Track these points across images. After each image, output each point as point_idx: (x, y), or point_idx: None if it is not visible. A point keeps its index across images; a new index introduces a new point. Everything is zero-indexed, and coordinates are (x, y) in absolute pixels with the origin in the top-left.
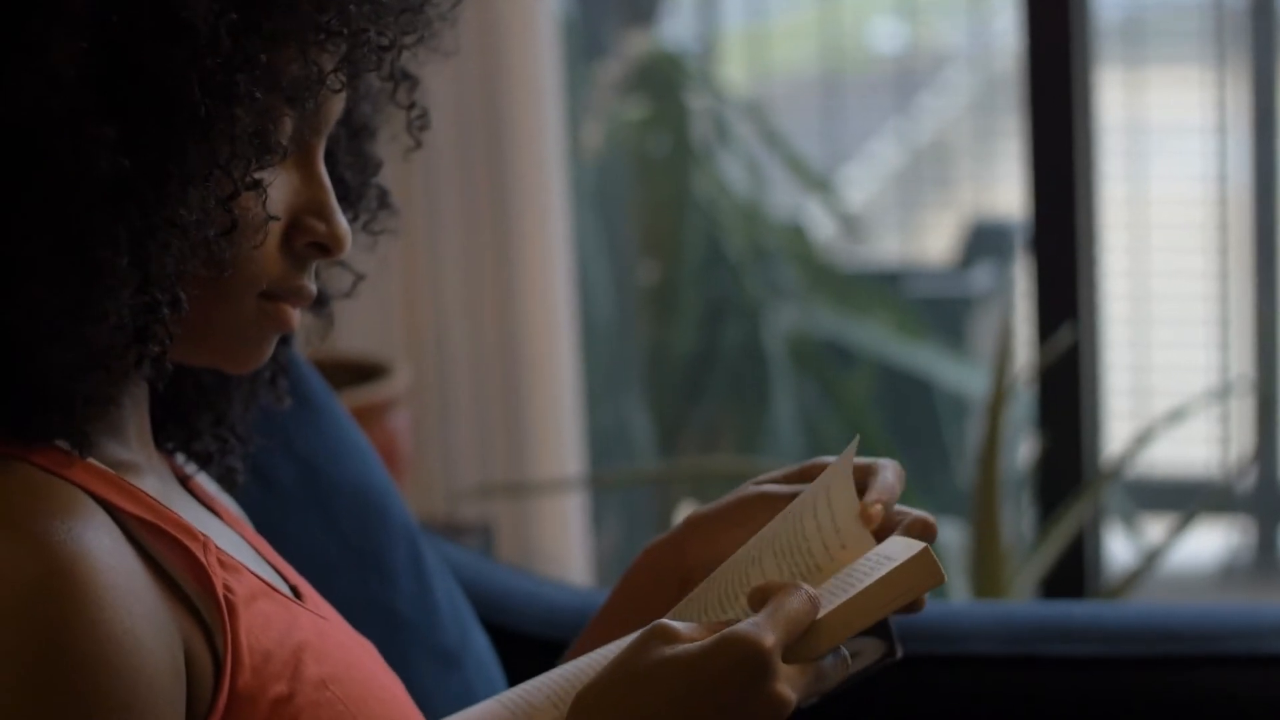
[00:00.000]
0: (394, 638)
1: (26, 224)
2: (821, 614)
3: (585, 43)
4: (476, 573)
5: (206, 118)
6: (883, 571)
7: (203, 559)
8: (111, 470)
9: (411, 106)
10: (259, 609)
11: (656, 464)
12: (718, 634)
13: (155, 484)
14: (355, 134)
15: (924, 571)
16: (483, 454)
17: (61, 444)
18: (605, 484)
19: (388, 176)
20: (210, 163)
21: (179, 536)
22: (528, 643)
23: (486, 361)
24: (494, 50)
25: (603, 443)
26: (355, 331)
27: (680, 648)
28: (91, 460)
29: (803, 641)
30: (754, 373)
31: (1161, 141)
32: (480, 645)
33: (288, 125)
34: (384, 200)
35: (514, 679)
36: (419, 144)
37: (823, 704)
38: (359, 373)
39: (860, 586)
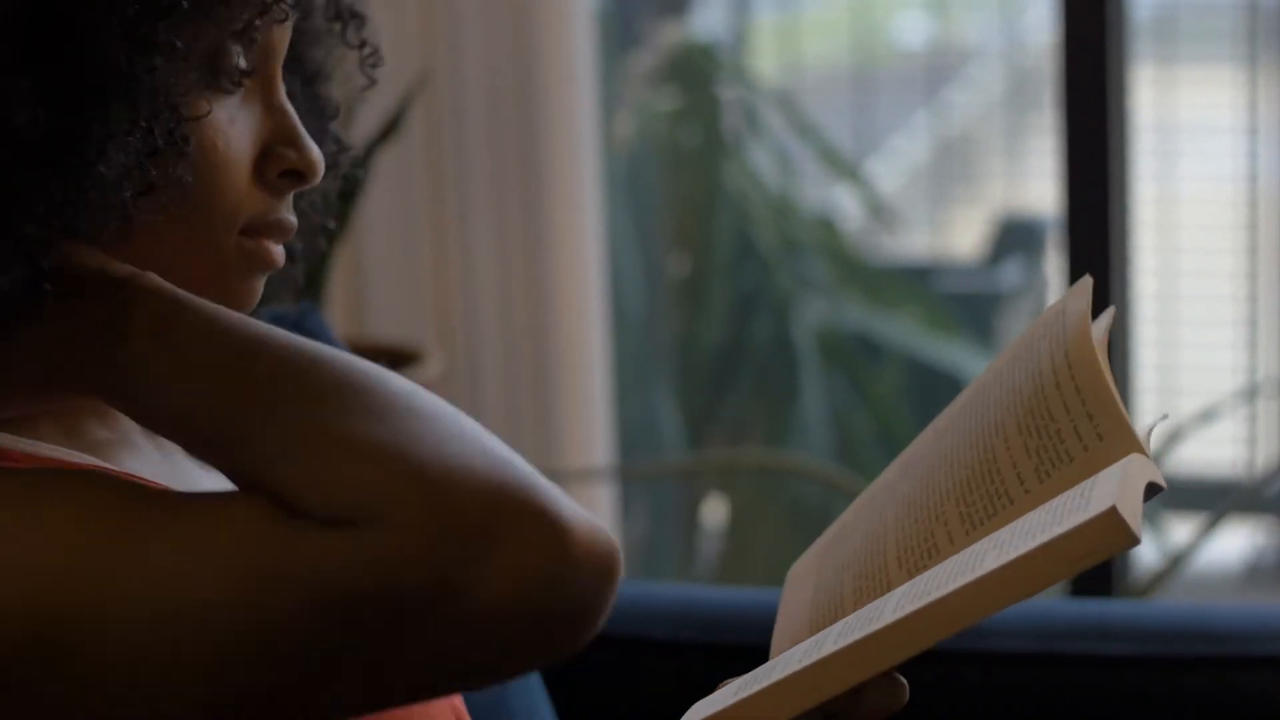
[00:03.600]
0: None
1: None
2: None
3: (617, 34)
4: None
5: (129, 67)
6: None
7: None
8: (84, 454)
9: (362, 45)
10: None
11: (685, 456)
12: None
13: (156, 463)
14: (309, 80)
15: (1107, 532)
16: (512, 443)
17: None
18: (633, 475)
19: (417, 163)
20: (134, 115)
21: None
22: None
23: (517, 351)
24: (528, 41)
25: (631, 434)
26: (386, 319)
27: None
28: (48, 447)
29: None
30: (783, 366)
31: (1191, 141)
32: None
33: (234, 56)
34: (341, 145)
35: (545, 671)
36: (373, 81)
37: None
38: (390, 360)
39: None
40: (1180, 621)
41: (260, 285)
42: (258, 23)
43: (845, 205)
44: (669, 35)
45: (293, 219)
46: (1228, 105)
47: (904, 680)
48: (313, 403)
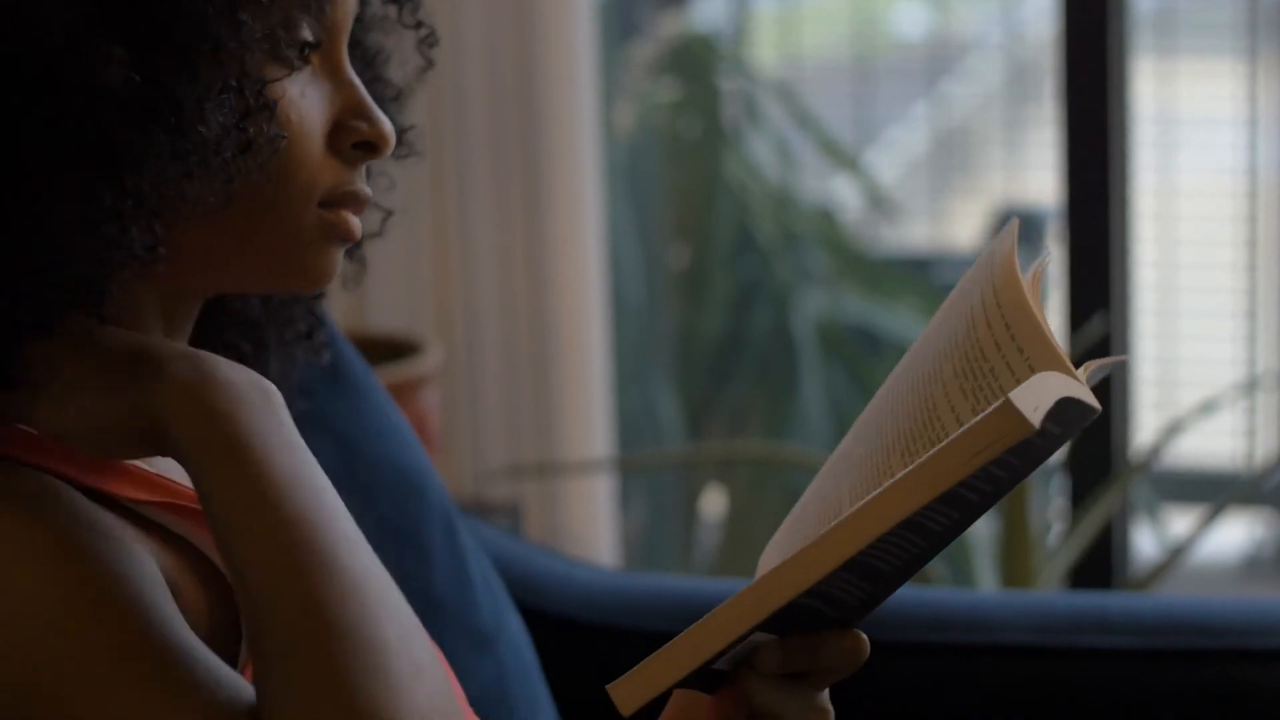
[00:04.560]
0: (429, 619)
1: (39, 151)
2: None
3: (618, 24)
4: (509, 554)
5: (215, 31)
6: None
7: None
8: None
9: (418, 26)
10: None
11: (684, 447)
12: None
13: None
14: (369, 63)
15: (1004, 425)
16: (511, 434)
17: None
18: (633, 466)
19: (420, 148)
20: (223, 77)
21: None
22: (560, 625)
23: (517, 342)
24: (529, 31)
25: (631, 425)
26: (386, 309)
27: None
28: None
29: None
30: (782, 357)
31: (1191, 133)
32: (514, 628)
33: (303, 29)
34: (403, 126)
35: (546, 662)
36: (430, 63)
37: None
38: (390, 350)
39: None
40: (1180, 614)
41: (338, 259)
42: None
43: (845, 196)
44: (669, 26)
45: (368, 190)
46: (1228, 97)
47: (864, 636)
48: (334, 639)
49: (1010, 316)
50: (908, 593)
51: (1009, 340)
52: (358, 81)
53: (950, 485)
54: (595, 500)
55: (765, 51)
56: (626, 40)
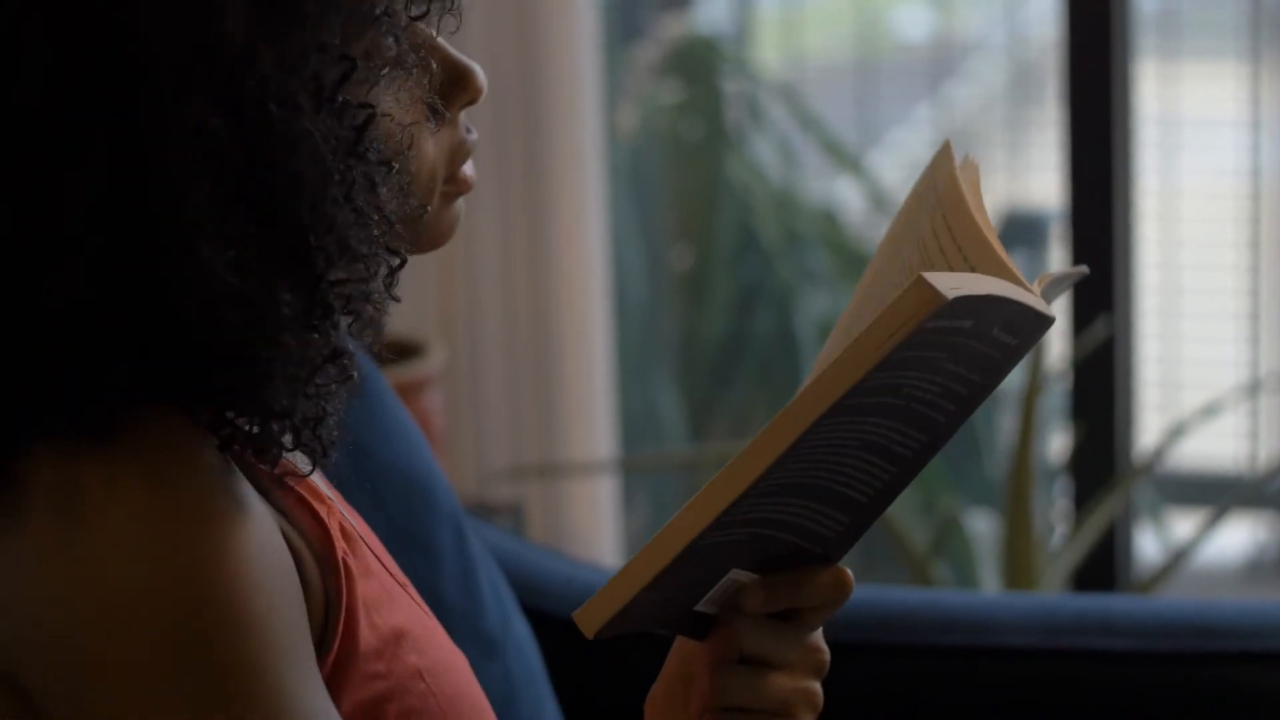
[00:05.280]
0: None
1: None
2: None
3: (621, 26)
4: (512, 555)
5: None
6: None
7: (327, 522)
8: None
9: None
10: (372, 584)
11: (686, 448)
12: None
13: None
14: None
15: (917, 299)
16: (514, 435)
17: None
18: (635, 468)
19: None
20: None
21: (307, 497)
22: (565, 627)
23: (519, 343)
24: (532, 33)
25: (633, 426)
26: (389, 310)
27: None
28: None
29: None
30: (785, 358)
31: (1194, 135)
32: (521, 632)
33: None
34: None
35: (551, 663)
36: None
37: (856, 694)
38: (392, 352)
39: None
40: (1182, 617)
41: (461, 210)
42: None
43: (847, 197)
44: (672, 28)
45: (474, 134)
46: (1231, 99)
47: (847, 571)
48: None
49: (955, 227)
50: (911, 595)
51: (955, 251)
52: (440, 43)
53: (867, 369)
54: (598, 501)
55: (768, 53)
56: (629, 42)
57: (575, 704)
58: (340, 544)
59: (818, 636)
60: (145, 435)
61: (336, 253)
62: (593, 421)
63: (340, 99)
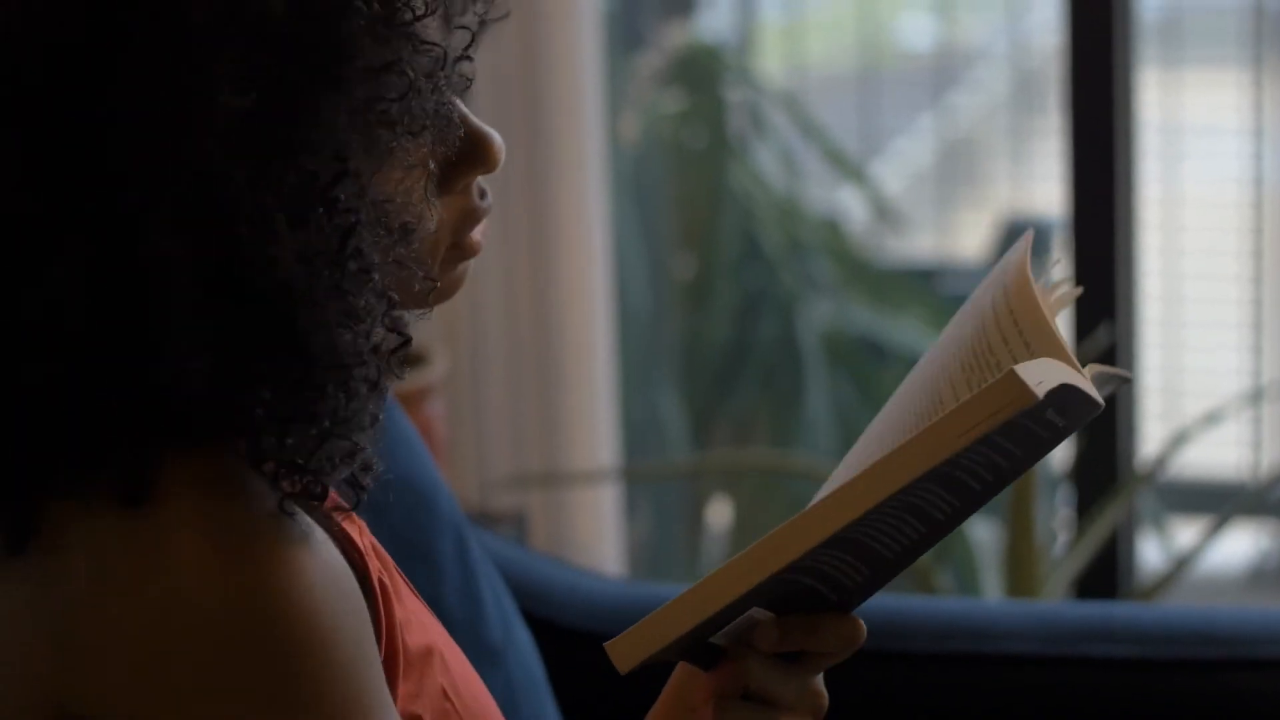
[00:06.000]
0: None
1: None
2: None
3: (623, 35)
4: (514, 563)
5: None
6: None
7: (360, 542)
8: None
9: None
10: (403, 604)
11: (689, 456)
12: None
13: None
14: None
15: (1009, 393)
16: (517, 443)
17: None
18: (638, 476)
19: None
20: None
21: (339, 518)
22: (566, 635)
23: (522, 351)
24: (534, 41)
25: (636, 434)
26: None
27: None
28: None
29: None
30: (788, 367)
31: (1197, 143)
32: (522, 641)
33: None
34: None
35: (551, 671)
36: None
37: (860, 701)
38: None
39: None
40: (1185, 624)
41: (467, 271)
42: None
43: (850, 206)
44: (675, 36)
45: (489, 203)
46: (1233, 107)
47: (861, 622)
48: None
49: (1020, 316)
50: (913, 602)
51: (1017, 335)
52: (466, 110)
53: (950, 454)
54: (601, 510)
55: (771, 62)
56: (632, 51)
57: (576, 712)
58: (375, 564)
59: (819, 680)
60: (198, 474)
61: (328, 361)
62: (595, 429)
63: (334, 196)
